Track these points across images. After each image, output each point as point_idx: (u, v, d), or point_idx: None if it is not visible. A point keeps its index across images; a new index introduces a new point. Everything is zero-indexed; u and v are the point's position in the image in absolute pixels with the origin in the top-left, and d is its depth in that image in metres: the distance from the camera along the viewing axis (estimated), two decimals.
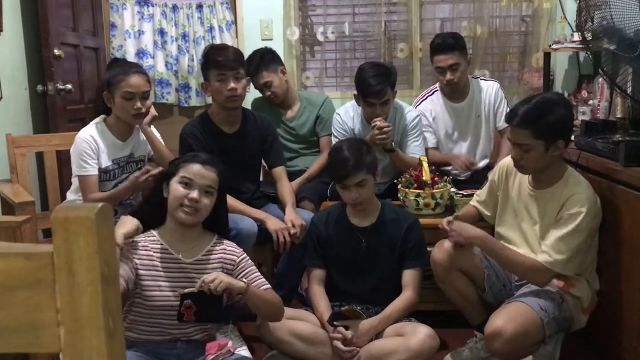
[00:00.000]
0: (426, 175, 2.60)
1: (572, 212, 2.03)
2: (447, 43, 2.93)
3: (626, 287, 2.09)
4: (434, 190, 2.62)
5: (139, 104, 2.41)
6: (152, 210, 1.92)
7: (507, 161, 2.29)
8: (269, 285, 1.93)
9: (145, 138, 2.57)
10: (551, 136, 2.03)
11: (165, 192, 1.89)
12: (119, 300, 0.59)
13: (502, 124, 3.06)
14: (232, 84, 2.52)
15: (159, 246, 1.87)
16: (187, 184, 1.84)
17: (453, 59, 2.93)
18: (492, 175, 2.38)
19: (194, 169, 1.86)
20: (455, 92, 3.06)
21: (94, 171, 2.40)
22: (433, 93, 3.16)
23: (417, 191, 2.62)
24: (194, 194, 1.83)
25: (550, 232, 2.07)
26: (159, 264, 1.84)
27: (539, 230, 2.16)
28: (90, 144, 2.40)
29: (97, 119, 2.50)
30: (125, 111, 2.42)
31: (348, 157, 2.22)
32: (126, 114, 2.42)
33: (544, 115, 2.04)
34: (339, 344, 2.09)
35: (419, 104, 3.16)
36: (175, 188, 1.85)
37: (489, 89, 3.12)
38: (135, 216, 1.89)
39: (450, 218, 2.22)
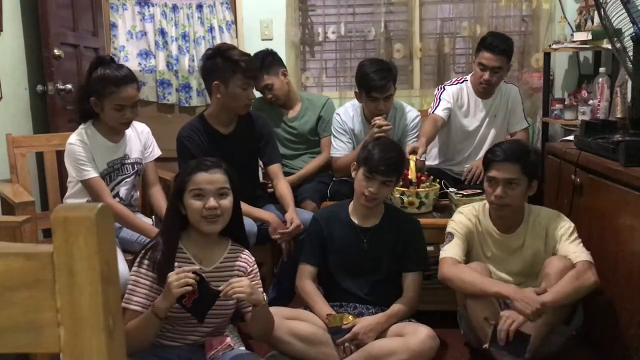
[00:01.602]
0: (412, 174, 2.61)
1: (562, 231, 2.15)
2: (500, 47, 2.94)
3: (626, 287, 2.09)
4: (419, 190, 2.62)
5: (129, 114, 2.38)
6: (176, 232, 1.88)
7: (468, 214, 2.30)
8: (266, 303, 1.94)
9: (138, 137, 2.57)
10: (531, 174, 2.16)
11: (182, 209, 1.86)
12: (119, 300, 0.59)
13: (513, 127, 3.18)
14: (252, 93, 2.57)
15: (184, 256, 1.87)
16: (200, 195, 1.83)
17: (498, 62, 2.95)
18: (459, 227, 2.27)
19: (200, 179, 1.83)
20: (486, 90, 3.09)
21: (95, 173, 2.37)
22: (463, 82, 3.17)
23: (402, 189, 2.63)
24: (211, 202, 1.81)
25: (563, 248, 2.13)
26: None
27: (521, 264, 2.22)
28: (84, 147, 2.36)
29: (83, 125, 2.44)
30: (114, 120, 2.38)
31: (388, 154, 2.23)
32: (115, 123, 2.39)
33: (527, 153, 2.17)
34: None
35: (449, 85, 3.17)
36: (191, 203, 1.83)
37: (509, 91, 3.17)
38: (162, 240, 1.86)
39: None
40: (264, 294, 1.90)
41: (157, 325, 1.74)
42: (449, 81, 3.25)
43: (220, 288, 1.74)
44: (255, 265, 1.97)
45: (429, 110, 3.13)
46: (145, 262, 1.82)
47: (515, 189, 2.13)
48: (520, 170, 2.12)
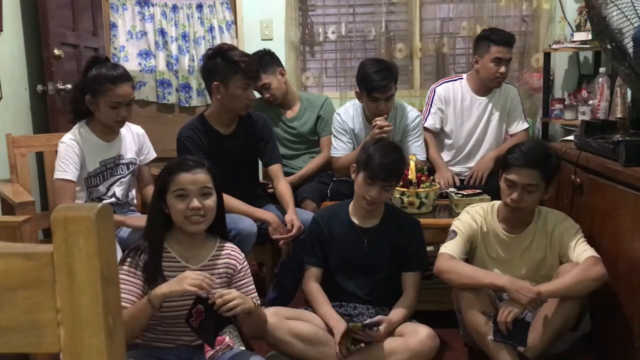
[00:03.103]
0: (412, 174, 2.60)
1: (568, 233, 2.15)
2: (510, 40, 3.05)
3: (626, 287, 2.09)
4: (419, 190, 2.62)
5: (123, 112, 2.39)
6: (160, 231, 1.86)
7: (474, 214, 2.28)
8: (259, 302, 1.93)
9: (132, 138, 2.57)
10: (551, 180, 2.13)
11: (165, 209, 1.84)
12: (119, 300, 0.59)
13: (514, 127, 3.19)
14: (253, 94, 2.57)
15: (169, 255, 1.85)
16: (183, 195, 1.80)
17: (510, 55, 3.06)
18: (462, 227, 2.26)
19: (183, 179, 1.80)
20: (499, 84, 3.12)
21: (71, 176, 2.35)
22: (457, 80, 3.21)
23: (402, 189, 2.62)
24: (194, 202, 1.79)
25: (570, 250, 2.12)
26: (169, 273, 1.81)
27: (527, 266, 2.21)
28: (73, 148, 2.36)
29: (78, 124, 2.45)
30: (109, 118, 2.39)
31: (388, 162, 2.18)
32: (110, 121, 2.41)
33: (548, 157, 2.13)
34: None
35: (440, 84, 3.22)
36: (174, 204, 1.81)
37: (507, 91, 3.20)
38: (146, 240, 1.84)
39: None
40: (254, 297, 1.88)
41: (149, 314, 1.71)
42: (440, 80, 3.30)
43: (210, 302, 1.71)
44: (245, 261, 1.95)
45: (423, 115, 3.17)
46: (128, 260, 1.80)
47: (533, 194, 2.11)
48: (540, 176, 2.09)
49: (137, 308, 1.72)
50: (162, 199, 1.84)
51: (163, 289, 1.70)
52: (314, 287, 2.28)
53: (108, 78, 2.34)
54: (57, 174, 2.37)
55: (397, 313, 2.18)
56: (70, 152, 2.36)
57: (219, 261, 1.90)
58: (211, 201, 1.84)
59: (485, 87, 3.14)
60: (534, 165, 2.09)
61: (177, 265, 1.85)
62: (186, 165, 1.84)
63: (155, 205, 1.86)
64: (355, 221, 2.32)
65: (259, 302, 1.93)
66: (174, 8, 3.88)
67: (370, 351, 2.10)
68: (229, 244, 1.96)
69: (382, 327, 2.07)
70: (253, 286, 1.94)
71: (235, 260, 1.92)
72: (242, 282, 1.91)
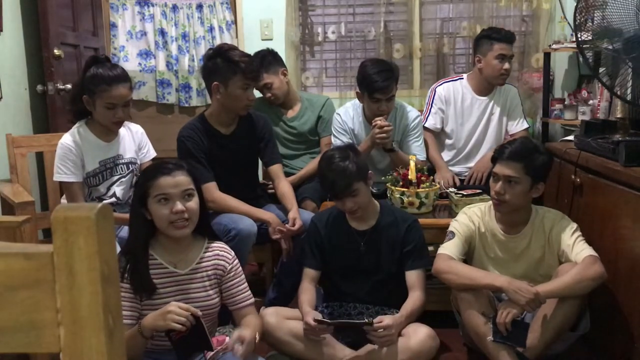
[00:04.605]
0: (412, 174, 2.60)
1: (566, 232, 2.14)
2: (512, 37, 3.09)
3: (626, 287, 2.09)
4: (419, 190, 2.62)
5: (120, 113, 2.37)
6: (144, 239, 1.82)
7: (472, 215, 2.28)
8: (252, 300, 1.93)
9: (132, 137, 2.57)
10: (537, 176, 2.13)
11: (147, 215, 1.80)
12: (119, 300, 0.59)
13: (514, 127, 3.18)
14: (253, 94, 2.56)
15: (155, 262, 1.83)
16: (165, 199, 1.77)
17: (512, 52, 3.09)
18: (460, 227, 2.26)
19: (163, 183, 1.77)
20: (505, 80, 3.12)
21: (74, 178, 2.36)
22: (457, 80, 3.22)
23: (402, 189, 2.62)
24: (177, 206, 1.75)
25: (568, 249, 2.11)
26: (157, 280, 1.80)
27: (525, 266, 2.21)
28: (72, 150, 2.36)
29: (78, 123, 2.44)
30: (105, 119, 2.38)
31: (334, 179, 2.17)
32: (106, 121, 2.39)
33: (534, 154, 2.14)
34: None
35: (440, 84, 3.24)
36: (156, 209, 1.77)
37: (507, 91, 3.20)
38: (130, 249, 1.81)
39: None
40: (247, 296, 1.90)
41: (143, 343, 1.71)
42: (441, 80, 3.31)
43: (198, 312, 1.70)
44: (236, 260, 1.93)
45: (423, 115, 3.18)
46: None
47: (515, 187, 2.12)
48: (522, 170, 2.10)
49: (130, 335, 1.69)
50: (143, 205, 1.80)
51: (149, 321, 1.68)
52: (302, 287, 2.27)
53: (104, 79, 2.32)
54: (61, 177, 2.37)
55: (408, 308, 2.15)
56: (68, 154, 2.36)
57: (207, 263, 1.87)
58: (194, 203, 1.81)
59: (486, 87, 3.14)
60: (515, 157, 2.12)
61: (165, 271, 1.83)
62: (166, 168, 1.80)
63: (136, 212, 1.83)
64: (352, 224, 2.31)
65: (251, 300, 1.92)
66: (174, 8, 3.88)
67: (371, 351, 2.10)
68: (217, 244, 1.93)
69: (385, 320, 2.03)
70: (245, 285, 1.92)
71: (224, 260, 1.90)
72: (232, 282, 1.90)
